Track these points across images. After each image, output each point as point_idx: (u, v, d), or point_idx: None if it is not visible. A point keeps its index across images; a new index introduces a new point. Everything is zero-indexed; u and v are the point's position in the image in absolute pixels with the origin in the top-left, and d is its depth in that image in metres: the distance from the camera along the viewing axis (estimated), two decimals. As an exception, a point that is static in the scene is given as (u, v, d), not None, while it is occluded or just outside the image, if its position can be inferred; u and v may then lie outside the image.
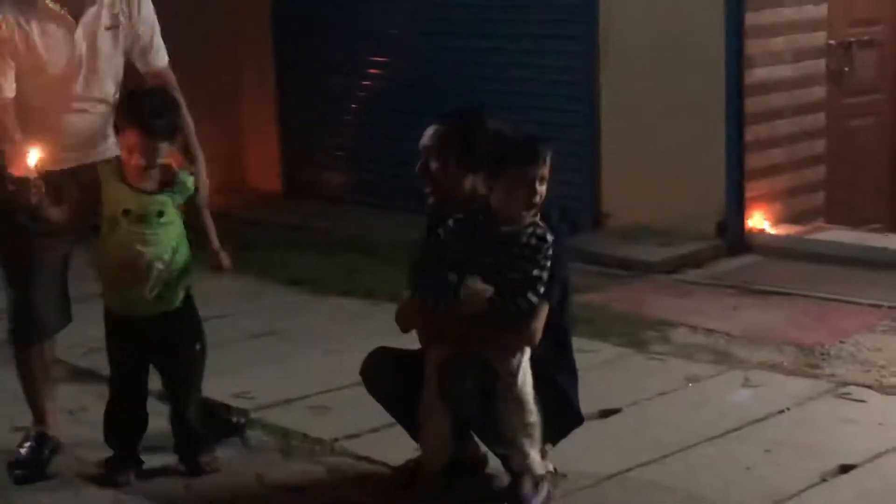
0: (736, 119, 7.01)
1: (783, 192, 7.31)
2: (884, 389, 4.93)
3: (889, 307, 5.97)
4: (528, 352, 3.86)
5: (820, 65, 7.45)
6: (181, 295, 4.14)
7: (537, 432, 3.89)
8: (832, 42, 7.60)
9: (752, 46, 7.03)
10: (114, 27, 4.16)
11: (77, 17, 4.08)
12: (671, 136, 7.22)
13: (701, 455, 4.34)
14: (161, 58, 4.32)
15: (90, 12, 4.10)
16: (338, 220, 8.19)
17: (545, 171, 3.83)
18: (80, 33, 4.08)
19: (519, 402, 3.84)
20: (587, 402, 4.61)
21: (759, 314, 6.01)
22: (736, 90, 6.98)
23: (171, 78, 4.33)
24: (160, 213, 4.03)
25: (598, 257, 7.00)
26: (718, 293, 6.41)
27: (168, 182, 4.06)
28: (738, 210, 7.07)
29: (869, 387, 4.96)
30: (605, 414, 4.70)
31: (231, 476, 4.22)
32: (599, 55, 7.49)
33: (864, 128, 7.99)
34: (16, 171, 3.85)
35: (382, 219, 7.95)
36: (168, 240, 4.05)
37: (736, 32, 6.93)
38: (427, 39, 8.36)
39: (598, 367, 5.21)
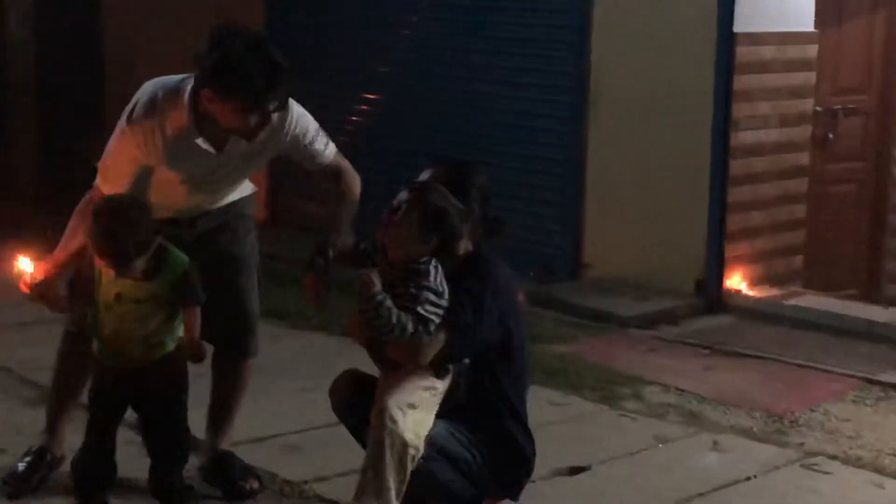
0: (720, 180, 7.09)
1: (762, 254, 7.39)
2: (849, 461, 4.97)
3: (861, 377, 6.02)
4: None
5: (806, 131, 7.54)
6: (172, 344, 4.15)
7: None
8: (818, 108, 7.70)
9: (739, 110, 7.13)
10: (253, 154, 4.17)
11: (220, 149, 4.08)
12: (655, 191, 7.30)
13: (667, 519, 4.39)
14: (325, 156, 4.27)
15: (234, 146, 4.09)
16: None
17: None
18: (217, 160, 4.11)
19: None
20: (557, 456, 4.72)
21: (732, 377, 6.06)
22: (722, 151, 7.07)
23: (342, 166, 4.31)
24: (152, 298, 4.04)
25: (573, 308, 7.07)
26: (692, 352, 6.47)
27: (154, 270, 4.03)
28: (717, 269, 7.15)
29: (835, 458, 5.00)
30: (574, 471, 4.74)
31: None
32: (588, 108, 7.57)
33: (844, 195, 8.10)
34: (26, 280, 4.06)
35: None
36: (160, 313, 4.07)
37: (724, 95, 7.03)
38: (417, 80, 8.44)
39: (569, 421, 5.26)
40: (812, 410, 5.61)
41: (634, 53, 7.35)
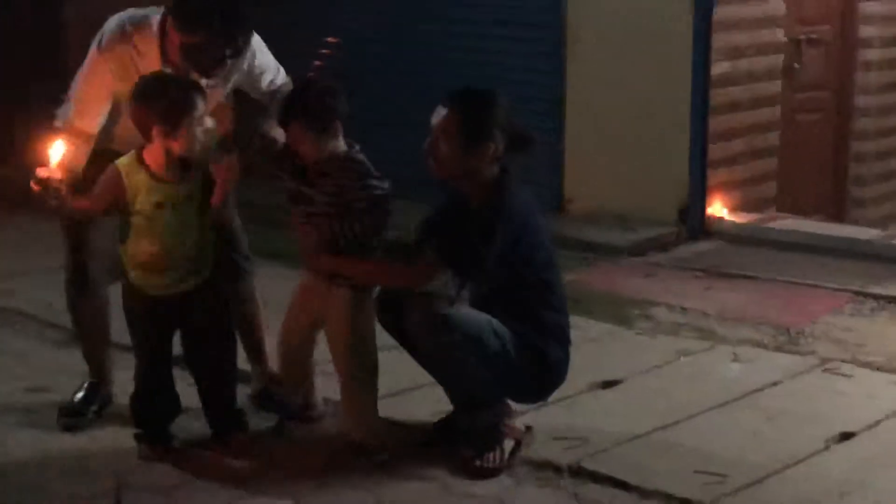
0: (701, 109, 7.25)
1: (740, 181, 7.59)
2: (866, 365, 5.18)
3: (853, 292, 6.25)
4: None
5: (778, 60, 7.74)
6: (208, 271, 4.18)
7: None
8: (785, 38, 7.90)
9: (717, 40, 7.29)
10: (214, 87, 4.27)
11: None
12: (635, 123, 7.43)
13: (708, 422, 4.54)
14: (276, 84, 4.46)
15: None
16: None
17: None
18: None
19: None
20: (587, 373, 4.86)
21: (731, 296, 6.25)
22: (703, 81, 7.23)
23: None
24: (188, 199, 4.09)
25: (564, 241, 7.15)
26: (687, 276, 6.64)
27: (187, 166, 4.09)
28: (700, 197, 7.33)
29: (851, 363, 5.22)
30: (608, 385, 4.89)
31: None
32: (566, 44, 7.68)
33: (811, 123, 8.32)
34: (40, 172, 3.96)
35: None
36: (196, 220, 4.10)
37: (704, 25, 7.17)
38: (391, 28, 8.45)
39: (591, 341, 5.39)
40: (814, 323, 5.81)
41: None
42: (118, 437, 4.33)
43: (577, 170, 7.72)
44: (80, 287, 4.42)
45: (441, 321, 3.93)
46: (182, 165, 4.06)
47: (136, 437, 4.26)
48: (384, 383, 4.35)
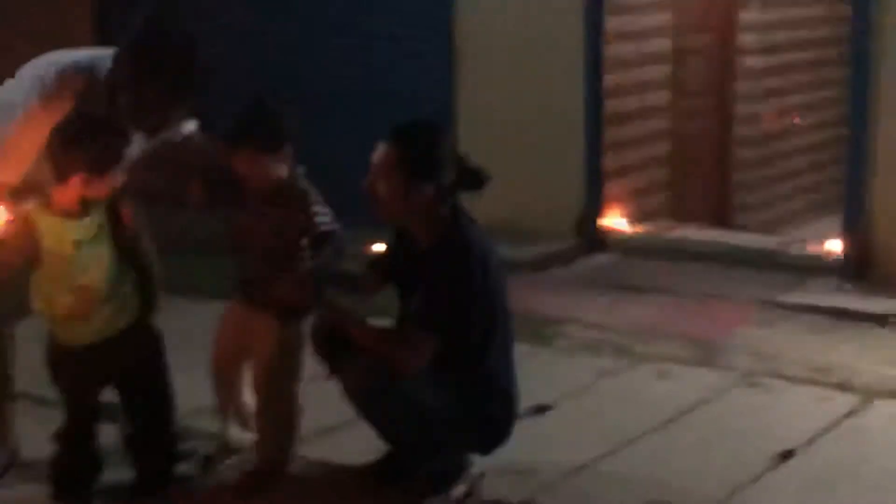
0: (595, 120, 7.23)
1: (633, 191, 7.58)
2: (788, 379, 5.18)
3: (760, 301, 6.27)
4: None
5: (666, 69, 7.76)
6: (134, 310, 3.92)
7: None
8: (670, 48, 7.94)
9: (607, 50, 7.27)
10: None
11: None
12: (529, 136, 7.37)
13: (649, 446, 4.47)
14: None
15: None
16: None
17: None
18: None
19: None
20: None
21: (640, 310, 6.22)
22: (594, 93, 7.20)
23: None
24: (100, 230, 3.82)
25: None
26: (592, 291, 6.59)
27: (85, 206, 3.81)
28: (596, 209, 7.29)
29: (772, 377, 5.21)
30: (540, 409, 4.77)
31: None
32: (455, 57, 7.56)
33: (694, 131, 8.37)
34: None
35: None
36: (110, 251, 3.84)
37: (595, 36, 7.16)
38: (289, 33, 8.23)
39: (513, 363, 5.27)
40: (728, 335, 5.81)
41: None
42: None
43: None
44: None
45: (376, 387, 3.76)
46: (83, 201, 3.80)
47: (55, 498, 3.95)
48: (311, 417, 4.17)
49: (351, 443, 4.27)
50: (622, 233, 7.37)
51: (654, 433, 4.59)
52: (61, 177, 3.70)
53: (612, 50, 7.30)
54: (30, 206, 3.79)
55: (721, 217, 8.53)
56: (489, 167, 3.92)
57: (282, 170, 3.84)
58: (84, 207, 3.78)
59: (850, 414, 4.75)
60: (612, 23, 7.25)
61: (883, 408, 4.81)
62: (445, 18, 7.55)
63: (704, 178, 8.49)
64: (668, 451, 4.43)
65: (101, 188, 3.73)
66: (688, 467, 4.27)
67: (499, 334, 3.97)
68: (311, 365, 4.08)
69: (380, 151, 3.85)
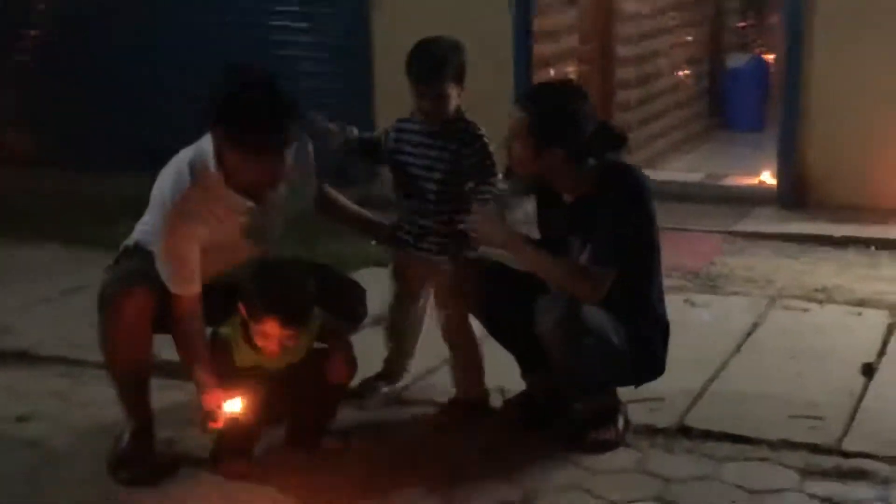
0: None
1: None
2: (806, 299, 5.44)
3: (724, 232, 6.56)
4: None
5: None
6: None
7: None
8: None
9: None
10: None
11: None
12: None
13: (743, 369, 4.62)
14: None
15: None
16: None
17: None
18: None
19: None
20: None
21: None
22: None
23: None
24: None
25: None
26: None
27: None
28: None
29: (789, 298, 5.46)
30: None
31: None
32: (374, 68, 7.58)
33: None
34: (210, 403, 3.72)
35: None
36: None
37: (525, 35, 7.31)
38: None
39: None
40: (712, 264, 6.05)
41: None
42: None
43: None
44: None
45: (575, 325, 3.77)
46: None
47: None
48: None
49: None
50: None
51: (738, 357, 4.74)
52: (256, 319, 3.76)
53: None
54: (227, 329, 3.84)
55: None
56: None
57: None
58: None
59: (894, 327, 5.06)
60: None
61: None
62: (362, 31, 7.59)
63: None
64: (764, 371, 4.58)
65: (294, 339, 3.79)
66: (797, 383, 4.45)
67: (658, 268, 4.04)
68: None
69: (511, 115, 3.93)
